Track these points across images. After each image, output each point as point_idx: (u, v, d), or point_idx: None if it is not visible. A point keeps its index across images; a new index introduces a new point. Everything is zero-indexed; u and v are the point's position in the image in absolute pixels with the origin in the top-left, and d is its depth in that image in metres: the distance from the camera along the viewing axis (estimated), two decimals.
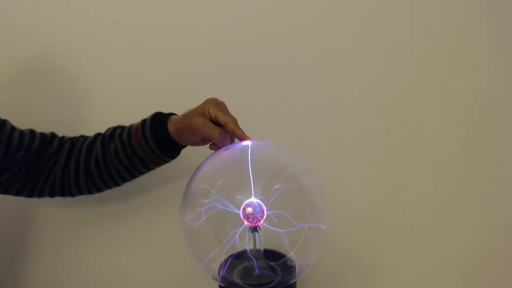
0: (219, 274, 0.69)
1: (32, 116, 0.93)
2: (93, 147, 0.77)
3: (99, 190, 0.80)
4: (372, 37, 0.88)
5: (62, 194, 0.80)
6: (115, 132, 0.77)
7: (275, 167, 0.69)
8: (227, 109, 0.70)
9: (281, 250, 0.70)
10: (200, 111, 0.69)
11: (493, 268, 0.92)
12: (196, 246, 0.67)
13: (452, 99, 0.89)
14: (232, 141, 0.69)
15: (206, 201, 0.66)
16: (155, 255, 0.95)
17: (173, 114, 0.75)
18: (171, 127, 0.72)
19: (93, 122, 0.92)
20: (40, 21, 0.92)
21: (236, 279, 0.67)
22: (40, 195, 0.80)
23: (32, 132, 0.79)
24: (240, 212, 0.65)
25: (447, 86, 0.89)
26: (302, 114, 0.91)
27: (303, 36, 0.89)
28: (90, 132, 0.81)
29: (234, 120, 0.68)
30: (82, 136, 0.81)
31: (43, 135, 0.80)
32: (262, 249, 0.70)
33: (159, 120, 0.73)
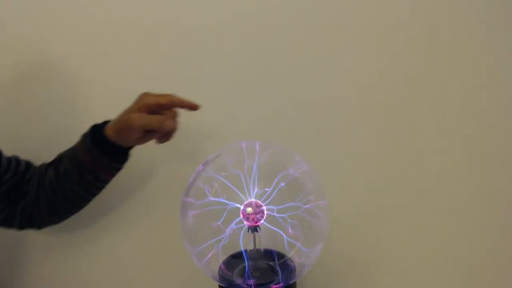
0: (219, 274, 0.69)
1: (31, 118, 0.93)
2: (46, 173, 0.77)
3: (61, 216, 0.81)
4: (374, 37, 0.89)
5: (31, 225, 0.80)
6: (63, 155, 0.77)
7: (275, 167, 0.69)
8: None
9: (281, 250, 0.70)
10: (135, 108, 0.69)
11: (493, 268, 0.92)
12: (196, 246, 0.67)
13: (453, 99, 0.89)
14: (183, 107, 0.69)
15: (206, 201, 0.67)
16: (155, 255, 0.95)
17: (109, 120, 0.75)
18: (109, 131, 0.71)
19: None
20: (36, 23, 0.91)
21: (236, 279, 0.67)
22: (11, 225, 0.79)
23: (16, 157, 0.79)
24: (240, 212, 0.66)
25: (448, 86, 0.89)
26: (302, 114, 0.91)
27: (304, 36, 0.89)
28: None
29: (175, 95, 0.68)
30: (43, 164, 0.81)
31: (26, 161, 0.80)
32: (262, 249, 0.70)
33: (96, 129, 0.73)
